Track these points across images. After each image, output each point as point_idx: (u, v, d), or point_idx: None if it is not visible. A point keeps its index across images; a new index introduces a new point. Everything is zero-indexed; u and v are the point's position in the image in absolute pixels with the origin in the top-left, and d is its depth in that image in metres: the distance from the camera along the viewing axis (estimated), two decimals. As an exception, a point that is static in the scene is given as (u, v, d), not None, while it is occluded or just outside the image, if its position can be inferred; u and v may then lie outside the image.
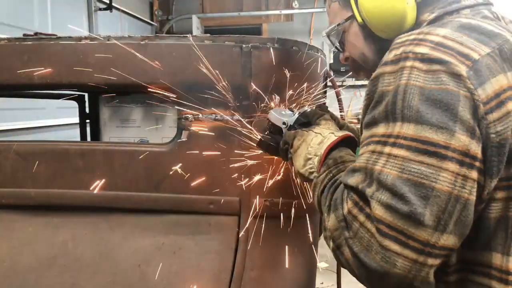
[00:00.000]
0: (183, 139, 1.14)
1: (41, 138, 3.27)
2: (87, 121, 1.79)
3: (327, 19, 1.02)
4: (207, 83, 1.12)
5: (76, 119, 1.83)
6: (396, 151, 0.66)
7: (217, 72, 1.11)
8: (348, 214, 0.69)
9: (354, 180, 0.70)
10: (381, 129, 0.69)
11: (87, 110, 1.79)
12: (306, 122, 1.01)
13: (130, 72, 1.13)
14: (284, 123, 1.03)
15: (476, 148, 0.64)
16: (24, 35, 1.25)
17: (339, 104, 1.50)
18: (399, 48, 0.71)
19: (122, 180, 1.17)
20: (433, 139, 0.63)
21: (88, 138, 1.77)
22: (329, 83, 1.45)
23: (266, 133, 1.08)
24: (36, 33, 1.31)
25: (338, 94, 1.48)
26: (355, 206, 0.69)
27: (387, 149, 0.67)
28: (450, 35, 0.70)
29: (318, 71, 1.27)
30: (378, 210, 0.64)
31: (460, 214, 0.63)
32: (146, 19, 6.09)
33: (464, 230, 0.65)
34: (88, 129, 1.78)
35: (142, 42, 1.13)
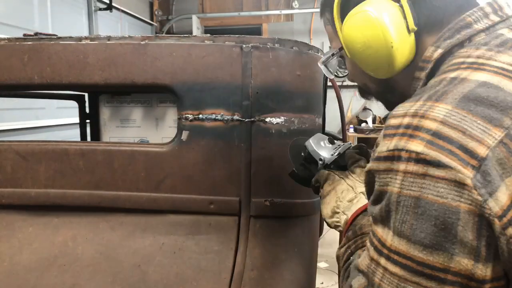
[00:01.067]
0: (183, 139, 1.14)
1: (41, 138, 3.27)
2: (87, 121, 1.79)
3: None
4: (207, 83, 1.12)
5: (76, 119, 1.83)
6: (391, 267, 0.59)
7: (218, 72, 1.11)
8: None
9: (357, 284, 0.66)
10: (379, 229, 0.62)
11: (87, 110, 1.79)
12: (343, 165, 0.95)
13: (130, 72, 1.13)
14: (320, 159, 0.96)
15: (483, 272, 0.53)
16: (24, 35, 1.25)
17: (339, 104, 1.50)
18: (392, 139, 0.58)
19: (122, 180, 1.17)
20: (428, 261, 0.55)
21: (88, 138, 1.77)
22: (329, 83, 1.45)
23: (301, 162, 1.02)
24: (36, 33, 1.31)
25: (339, 96, 1.48)
26: None
27: (382, 261, 0.60)
28: (450, 117, 0.55)
29: (318, 71, 1.27)
30: None
31: None
32: (146, 19, 6.09)
33: None
34: (88, 129, 1.78)
35: (142, 42, 1.13)
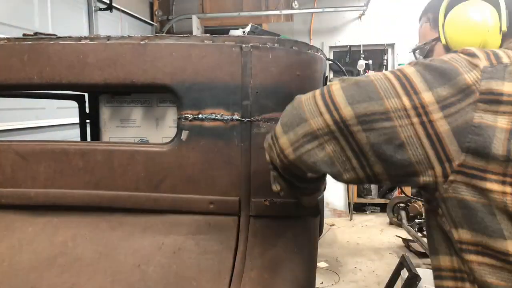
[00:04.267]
0: (183, 139, 1.14)
1: (41, 138, 3.27)
2: (87, 121, 1.79)
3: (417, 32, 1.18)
4: (207, 83, 1.12)
5: (76, 119, 1.83)
6: (388, 74, 0.80)
7: (217, 72, 1.11)
8: None
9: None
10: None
11: (87, 110, 1.80)
12: None
13: (130, 72, 1.13)
14: None
15: (433, 110, 0.72)
16: (24, 35, 1.25)
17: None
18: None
19: (122, 180, 1.17)
20: (414, 84, 0.75)
21: (88, 138, 1.77)
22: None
23: None
24: (36, 33, 1.31)
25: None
26: None
27: None
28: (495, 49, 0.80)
29: (318, 71, 1.27)
30: None
31: (382, 130, 0.74)
32: (146, 19, 6.09)
33: None
34: (88, 129, 1.78)
35: (142, 42, 1.13)
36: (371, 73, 0.86)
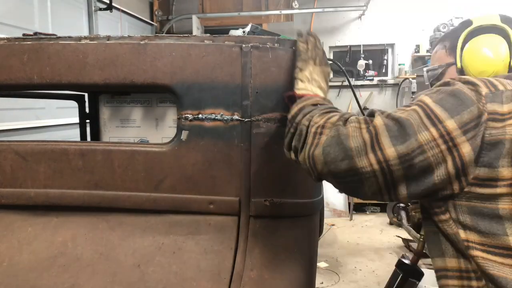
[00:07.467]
0: (183, 139, 1.14)
1: (41, 138, 3.27)
2: (87, 121, 1.79)
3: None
4: (206, 83, 1.12)
5: (76, 119, 1.83)
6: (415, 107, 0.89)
7: (217, 72, 1.11)
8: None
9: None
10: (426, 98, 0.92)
11: (87, 110, 1.80)
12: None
13: (130, 72, 1.13)
14: None
15: (458, 134, 0.83)
16: (24, 35, 1.25)
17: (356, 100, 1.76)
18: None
19: (122, 180, 1.17)
20: (439, 114, 0.85)
21: (88, 138, 1.77)
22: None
23: None
24: (36, 33, 1.31)
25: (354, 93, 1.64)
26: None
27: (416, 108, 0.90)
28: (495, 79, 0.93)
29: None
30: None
31: (418, 164, 0.83)
32: (146, 19, 6.10)
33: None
34: (88, 129, 1.78)
35: (142, 42, 1.13)
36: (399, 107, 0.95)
